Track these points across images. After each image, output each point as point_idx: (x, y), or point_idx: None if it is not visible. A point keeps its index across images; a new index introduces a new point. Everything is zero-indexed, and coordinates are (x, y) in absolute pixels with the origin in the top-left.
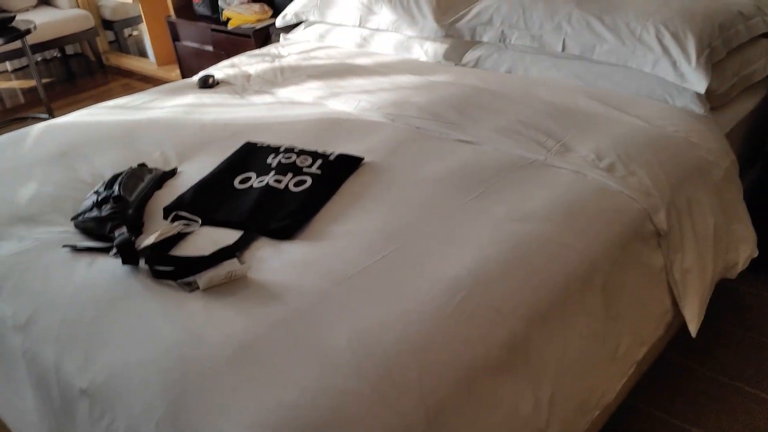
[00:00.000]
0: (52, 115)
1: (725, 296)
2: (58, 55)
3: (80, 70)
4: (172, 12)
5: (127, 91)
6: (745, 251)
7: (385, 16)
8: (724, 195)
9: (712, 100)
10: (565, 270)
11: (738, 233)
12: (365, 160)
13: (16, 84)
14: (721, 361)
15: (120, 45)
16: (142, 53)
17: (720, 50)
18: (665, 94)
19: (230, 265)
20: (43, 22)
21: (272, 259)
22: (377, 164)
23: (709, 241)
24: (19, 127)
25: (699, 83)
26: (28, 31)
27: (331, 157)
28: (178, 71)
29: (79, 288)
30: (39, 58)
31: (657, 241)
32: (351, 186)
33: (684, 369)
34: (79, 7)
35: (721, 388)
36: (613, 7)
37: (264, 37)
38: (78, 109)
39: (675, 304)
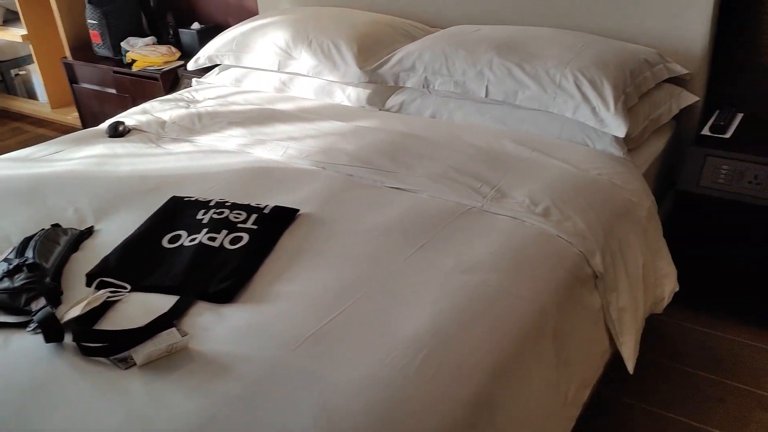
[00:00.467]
0: None
1: (648, 327)
2: None
3: None
4: (68, 53)
5: (18, 135)
6: (669, 286)
7: (304, 61)
8: (648, 234)
9: (628, 143)
10: (520, 320)
11: (662, 270)
12: (300, 211)
13: None
14: (654, 393)
15: (7, 86)
16: (31, 95)
17: (633, 96)
18: (586, 138)
19: (170, 337)
20: None
21: (215, 327)
22: (313, 216)
23: (639, 279)
24: None
25: (619, 128)
26: None
27: (266, 210)
28: (75, 114)
29: None
30: None
31: (594, 283)
32: (289, 240)
33: (619, 404)
34: None
35: (658, 421)
36: (530, 55)
37: (172, 80)
38: None
39: (612, 343)
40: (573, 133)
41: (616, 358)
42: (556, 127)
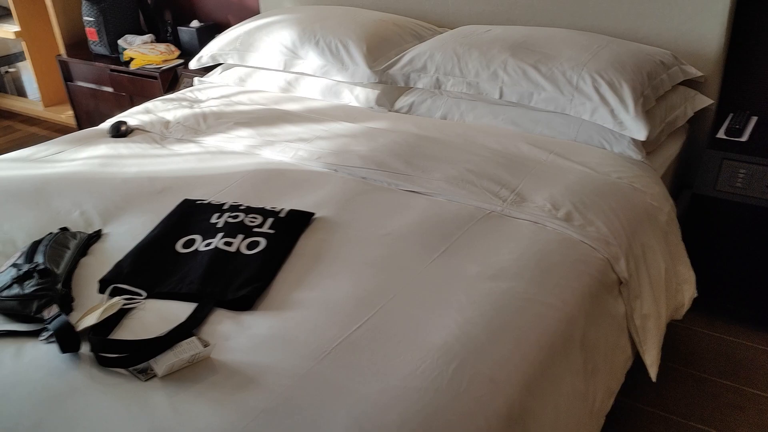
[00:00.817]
0: None
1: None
2: None
3: None
4: (62, 50)
5: (9, 133)
6: (689, 291)
7: (311, 61)
8: (669, 239)
9: (645, 146)
10: (548, 329)
11: (682, 275)
12: (316, 215)
13: None
14: (670, 400)
15: (0, 84)
16: (20, 92)
17: (651, 98)
18: (603, 140)
19: (191, 347)
20: None
21: (236, 335)
22: (329, 219)
23: (662, 285)
24: None
25: (639, 131)
26: None
27: (282, 214)
28: (69, 112)
29: (8, 386)
30: None
31: (618, 289)
32: (306, 245)
33: (637, 411)
34: None
35: (677, 429)
36: (546, 56)
37: (171, 78)
38: None
39: (634, 350)
40: (589, 135)
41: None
42: (572, 130)
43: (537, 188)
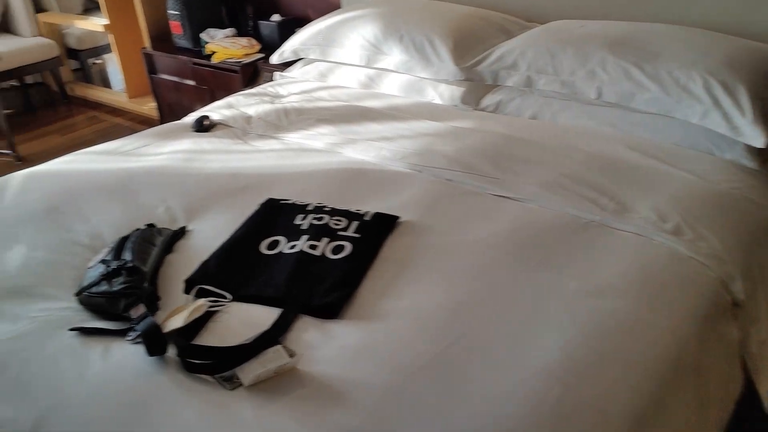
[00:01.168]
0: (14, 151)
1: None
2: (17, 84)
3: (41, 100)
4: (147, 43)
5: (94, 124)
6: None
7: (395, 56)
8: None
9: (763, 153)
10: (659, 355)
11: None
12: (401, 218)
13: None
14: None
15: (86, 75)
16: (105, 84)
17: None
18: (711, 146)
19: (277, 356)
20: (3, 51)
21: (322, 345)
22: (415, 224)
23: None
24: None
25: (757, 137)
26: None
27: (367, 217)
28: (151, 104)
29: (95, 387)
30: None
31: (732, 312)
32: (391, 251)
33: None
34: (42, 35)
35: None
36: (651, 55)
37: (252, 72)
38: (42, 143)
39: (746, 380)
40: (696, 139)
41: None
42: (677, 133)
43: (640, 196)
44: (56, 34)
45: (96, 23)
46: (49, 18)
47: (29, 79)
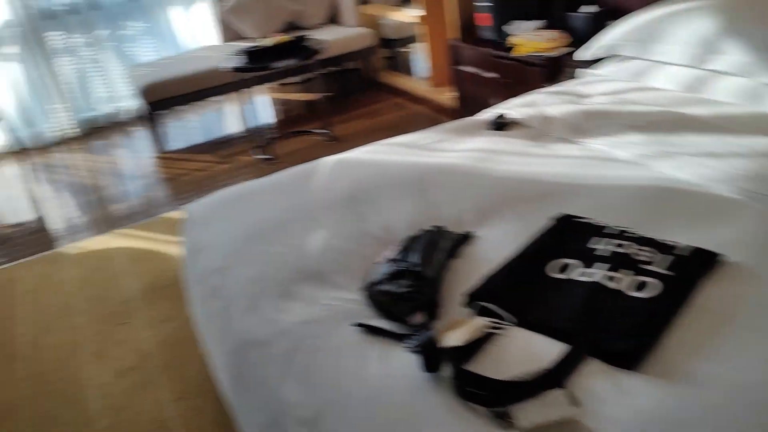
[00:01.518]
0: (331, 131)
1: None
2: (336, 69)
3: (355, 85)
4: (455, 34)
5: (397, 110)
6: None
7: (732, 56)
8: None
9: None
10: None
11: None
12: (724, 257)
13: (297, 96)
14: None
15: (396, 64)
16: (407, 72)
17: None
18: None
19: (559, 402)
20: (330, 39)
21: (612, 401)
22: (743, 267)
23: None
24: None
25: None
26: (318, 51)
27: (684, 252)
28: (449, 94)
29: (372, 390)
30: (318, 73)
31: None
32: (708, 298)
33: None
34: (363, 26)
35: None
36: None
37: (555, 68)
38: (352, 126)
39: None
40: None
41: None
42: None
43: None
44: (374, 24)
45: (411, 15)
46: (370, 9)
47: (348, 66)
